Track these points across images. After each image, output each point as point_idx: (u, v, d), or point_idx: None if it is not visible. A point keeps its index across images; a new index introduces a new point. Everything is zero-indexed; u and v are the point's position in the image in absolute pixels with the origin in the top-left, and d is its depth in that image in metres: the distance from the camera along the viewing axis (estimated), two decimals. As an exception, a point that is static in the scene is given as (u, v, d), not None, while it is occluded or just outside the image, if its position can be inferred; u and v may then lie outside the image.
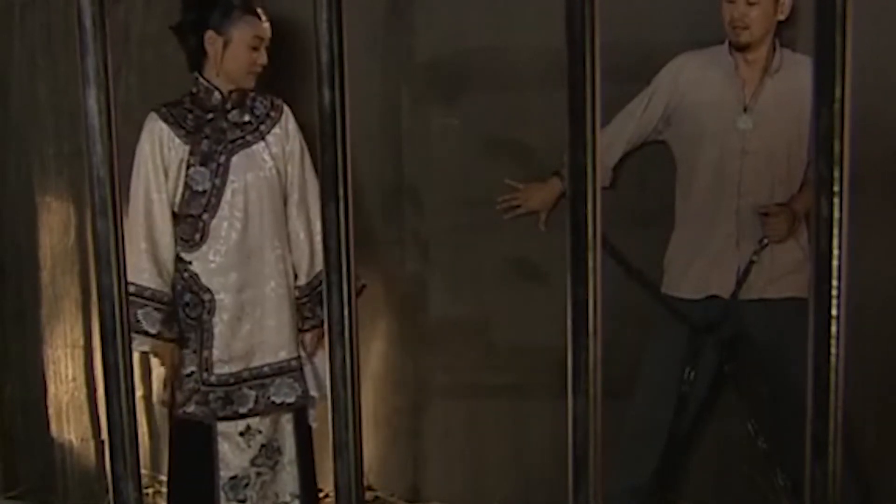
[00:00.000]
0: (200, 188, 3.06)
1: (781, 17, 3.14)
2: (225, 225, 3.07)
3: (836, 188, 0.70)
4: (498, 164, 3.55)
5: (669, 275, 3.36)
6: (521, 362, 3.61)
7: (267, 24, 3.11)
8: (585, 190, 0.74)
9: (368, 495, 3.76)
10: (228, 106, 3.12)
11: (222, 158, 3.08)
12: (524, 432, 3.67)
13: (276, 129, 3.16)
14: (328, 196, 0.74)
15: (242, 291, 3.09)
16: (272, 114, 3.17)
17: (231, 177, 3.07)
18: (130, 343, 0.81)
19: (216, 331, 3.09)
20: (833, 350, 0.72)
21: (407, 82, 3.61)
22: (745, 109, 3.19)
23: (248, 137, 3.12)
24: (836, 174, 0.70)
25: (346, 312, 0.76)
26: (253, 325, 3.12)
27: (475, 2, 3.51)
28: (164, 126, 3.06)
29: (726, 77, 3.20)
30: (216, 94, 3.10)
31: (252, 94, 3.17)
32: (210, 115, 3.11)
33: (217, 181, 3.06)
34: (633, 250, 3.42)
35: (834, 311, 0.72)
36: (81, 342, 3.80)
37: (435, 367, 3.71)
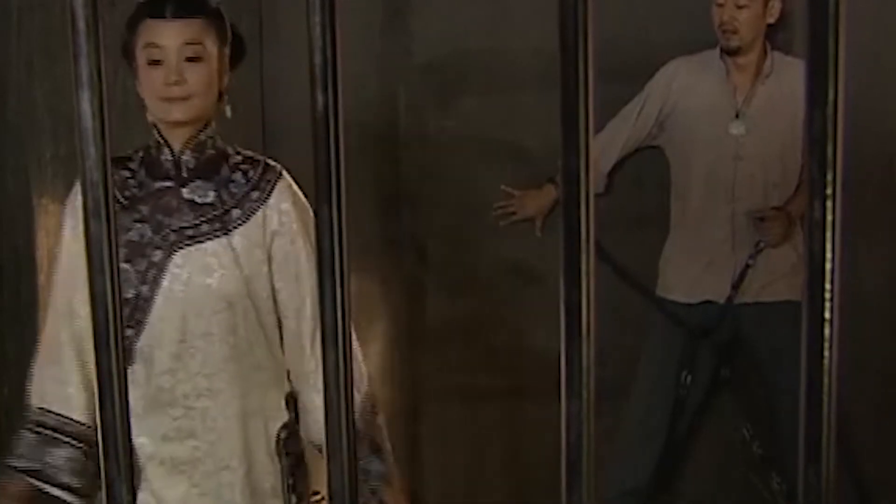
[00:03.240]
0: (124, 294, 1.96)
1: (771, 20, 3.15)
2: (153, 351, 2.03)
3: (828, 191, 0.70)
4: (495, 167, 3.55)
5: (664, 279, 3.36)
6: (518, 365, 3.61)
7: (176, 23, 1.97)
8: (578, 193, 0.74)
9: (365, 498, 3.75)
10: (184, 173, 2.06)
11: (157, 256, 2.03)
12: (521, 435, 3.67)
13: (258, 214, 2.05)
14: (322, 199, 0.74)
15: (174, 442, 2.07)
16: (255, 192, 2.06)
17: (165, 283, 2.02)
18: (125, 346, 0.81)
19: (143, 483, 2.08)
20: (826, 353, 0.72)
21: (404, 85, 3.61)
22: (737, 115, 3.19)
23: (204, 227, 2.04)
24: (829, 177, 0.70)
25: (339, 315, 0.76)
26: (190, 488, 2.09)
27: (472, 4, 3.51)
28: None
29: (718, 82, 3.21)
30: (166, 151, 2.05)
31: (237, 160, 2.09)
32: (160, 185, 2.07)
33: (145, 288, 2.02)
34: (628, 254, 3.43)
35: (827, 315, 0.72)
36: (78, 345, 3.79)
37: (432, 369, 3.71)
